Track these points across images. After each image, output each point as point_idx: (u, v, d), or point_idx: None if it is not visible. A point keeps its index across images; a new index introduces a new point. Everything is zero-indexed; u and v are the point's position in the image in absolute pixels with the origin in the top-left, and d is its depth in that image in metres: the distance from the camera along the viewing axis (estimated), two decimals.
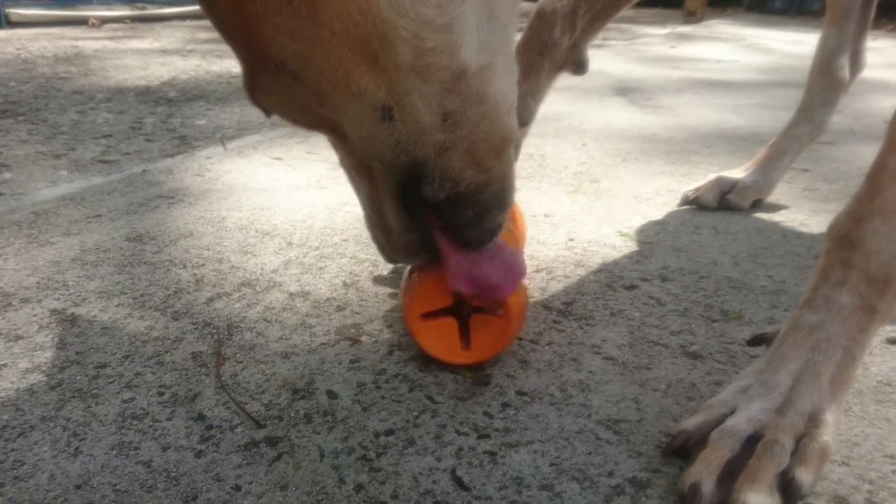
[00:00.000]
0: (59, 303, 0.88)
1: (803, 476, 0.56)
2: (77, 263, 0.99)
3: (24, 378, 0.72)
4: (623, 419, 0.68)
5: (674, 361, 0.78)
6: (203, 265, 0.99)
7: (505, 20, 0.58)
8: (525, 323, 0.81)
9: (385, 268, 0.99)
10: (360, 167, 0.63)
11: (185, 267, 0.99)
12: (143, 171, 1.44)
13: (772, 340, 0.67)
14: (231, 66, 2.98)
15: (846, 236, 0.63)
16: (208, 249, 1.05)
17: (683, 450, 0.61)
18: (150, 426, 0.65)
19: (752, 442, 0.58)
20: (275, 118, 0.64)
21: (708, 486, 0.55)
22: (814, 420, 0.59)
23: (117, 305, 0.87)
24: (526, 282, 0.78)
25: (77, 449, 0.62)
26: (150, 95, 2.30)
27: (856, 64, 1.29)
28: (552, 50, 0.87)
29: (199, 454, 0.61)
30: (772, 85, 2.73)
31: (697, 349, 0.81)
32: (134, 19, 4.93)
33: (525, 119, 0.93)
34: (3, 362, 0.75)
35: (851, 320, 0.62)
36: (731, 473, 0.56)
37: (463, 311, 0.73)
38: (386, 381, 0.73)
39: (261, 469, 0.60)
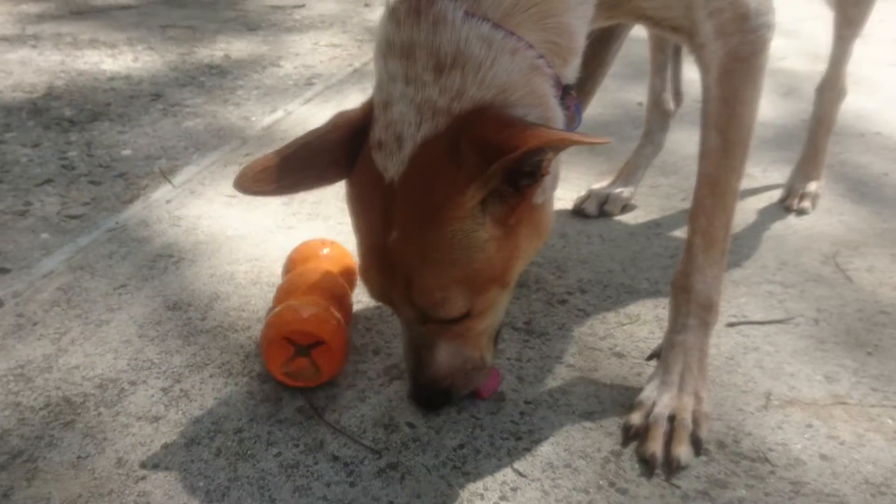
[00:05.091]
0: (161, 381, 1.13)
1: (701, 433, 1.03)
2: (145, 340, 1.23)
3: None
4: (594, 411, 1.10)
5: (608, 362, 1.21)
6: (249, 328, 1.27)
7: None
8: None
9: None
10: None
11: (237, 331, 1.26)
12: (118, 224, 1.62)
13: (660, 354, 1.12)
14: (98, 61, 2.95)
15: (684, 285, 1.10)
16: (243, 310, 1.32)
17: (637, 435, 1.05)
18: (308, 471, 0.98)
19: (672, 420, 1.03)
20: None
21: (659, 452, 1.00)
22: (697, 397, 1.05)
23: (211, 376, 1.15)
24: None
25: (271, 496, 0.94)
26: (45, 116, 2.32)
27: (677, 97, 1.79)
28: None
29: (352, 485, 0.96)
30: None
31: (620, 350, 1.25)
32: None
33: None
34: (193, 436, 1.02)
35: (698, 333, 1.09)
36: (668, 442, 1.01)
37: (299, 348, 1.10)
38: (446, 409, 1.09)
39: (395, 488, 0.95)
